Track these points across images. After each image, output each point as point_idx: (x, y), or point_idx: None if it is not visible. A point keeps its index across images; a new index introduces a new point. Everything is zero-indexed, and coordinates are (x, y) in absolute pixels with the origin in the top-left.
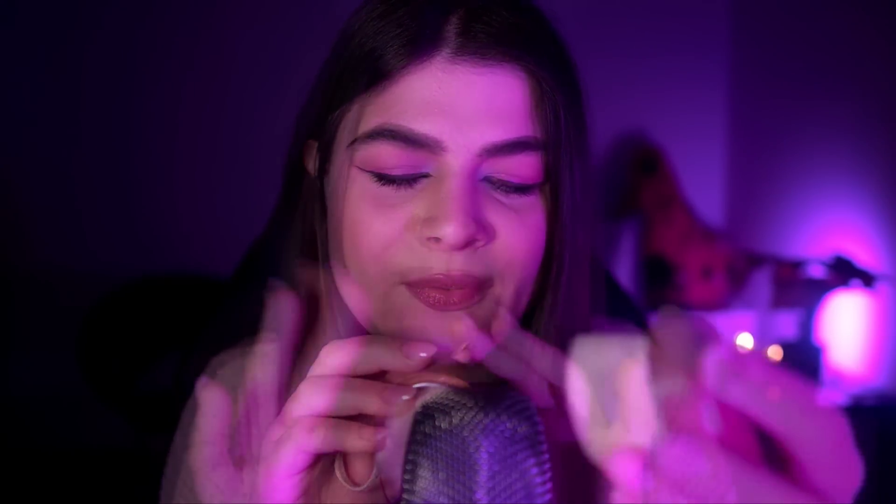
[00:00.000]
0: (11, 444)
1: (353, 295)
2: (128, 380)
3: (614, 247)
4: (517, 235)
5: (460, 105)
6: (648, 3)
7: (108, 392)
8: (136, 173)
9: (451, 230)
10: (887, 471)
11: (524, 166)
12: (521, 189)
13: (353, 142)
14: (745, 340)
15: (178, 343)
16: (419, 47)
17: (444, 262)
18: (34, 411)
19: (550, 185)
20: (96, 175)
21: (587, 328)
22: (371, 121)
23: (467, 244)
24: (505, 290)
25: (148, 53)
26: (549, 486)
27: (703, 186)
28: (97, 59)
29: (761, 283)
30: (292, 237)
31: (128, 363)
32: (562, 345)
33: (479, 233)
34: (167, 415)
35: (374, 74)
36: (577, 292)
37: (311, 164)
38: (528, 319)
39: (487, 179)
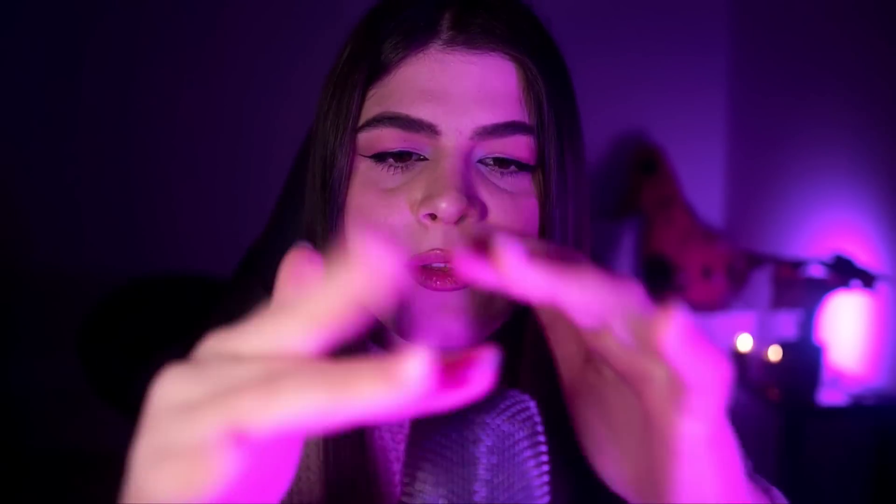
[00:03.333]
0: (11, 444)
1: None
2: (128, 379)
3: (614, 247)
4: (509, 216)
5: (453, 91)
6: (649, 4)
7: (109, 391)
8: (137, 174)
9: (444, 204)
10: (887, 471)
11: (515, 148)
12: (514, 172)
13: (357, 130)
14: (745, 340)
15: (177, 343)
16: (414, 40)
17: (440, 238)
18: (34, 411)
19: (541, 170)
20: (96, 176)
21: None
22: (372, 109)
23: (461, 218)
24: None
25: (149, 55)
26: (547, 487)
27: (703, 186)
28: (98, 60)
29: (761, 283)
30: (294, 232)
31: (128, 363)
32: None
33: (471, 207)
34: None
35: (374, 67)
36: None
37: (315, 157)
38: (524, 311)
39: (482, 162)
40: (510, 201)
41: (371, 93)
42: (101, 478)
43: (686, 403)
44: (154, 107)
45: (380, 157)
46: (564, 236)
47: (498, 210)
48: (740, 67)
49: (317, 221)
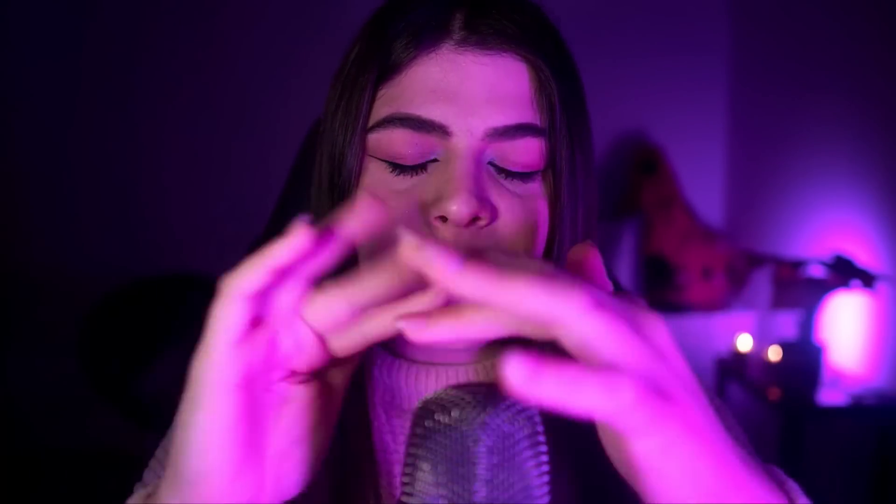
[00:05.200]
0: (11, 445)
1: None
2: (128, 379)
3: (614, 247)
4: (519, 218)
5: (465, 92)
6: (648, 4)
7: (109, 391)
8: (136, 174)
9: (456, 206)
10: (887, 471)
11: (526, 151)
12: (524, 174)
13: (368, 130)
14: (745, 340)
15: (177, 343)
16: (426, 40)
17: (451, 241)
18: (34, 411)
19: (552, 172)
20: (96, 176)
21: None
22: (383, 110)
23: (472, 220)
24: None
25: (149, 54)
26: (546, 487)
27: (703, 186)
28: (98, 61)
29: (761, 283)
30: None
31: (128, 362)
32: None
33: (482, 210)
34: (167, 413)
35: (385, 66)
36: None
37: (324, 156)
38: None
39: (492, 164)
40: (520, 204)
41: (381, 93)
42: (99, 477)
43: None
44: (154, 106)
45: (392, 164)
46: (574, 238)
47: (508, 212)
48: (740, 67)
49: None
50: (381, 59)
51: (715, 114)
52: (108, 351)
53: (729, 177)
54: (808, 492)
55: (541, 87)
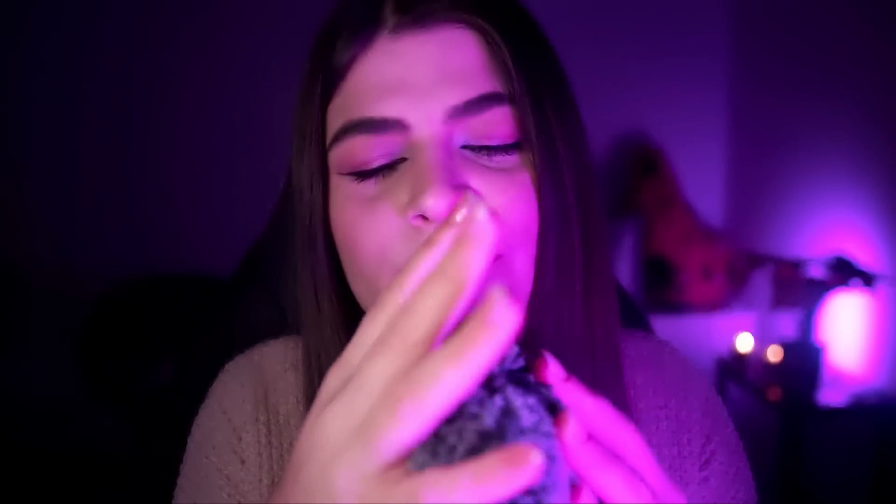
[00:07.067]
0: (11, 445)
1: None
2: (128, 380)
3: (614, 247)
4: (509, 195)
5: (411, 78)
6: (649, 4)
7: (108, 392)
8: (137, 174)
9: (432, 201)
10: (887, 471)
11: (496, 122)
12: (502, 148)
13: (328, 148)
14: (745, 340)
15: (177, 343)
16: (360, 37)
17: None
18: (34, 411)
19: (529, 141)
20: (97, 175)
21: (589, 292)
22: (336, 122)
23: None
24: (517, 257)
25: (150, 53)
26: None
27: (703, 186)
28: (98, 60)
29: (761, 283)
30: (291, 238)
31: (127, 363)
32: (558, 313)
33: (461, 198)
34: (167, 415)
35: (328, 77)
36: (572, 251)
37: (297, 177)
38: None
39: (467, 147)
40: (506, 179)
41: (333, 104)
42: (97, 479)
43: None
44: (154, 106)
45: (359, 175)
46: (563, 206)
47: (496, 193)
48: (740, 67)
49: (311, 247)
50: (324, 70)
51: (715, 114)
52: (108, 352)
53: (729, 177)
54: (809, 492)
55: (492, 52)
